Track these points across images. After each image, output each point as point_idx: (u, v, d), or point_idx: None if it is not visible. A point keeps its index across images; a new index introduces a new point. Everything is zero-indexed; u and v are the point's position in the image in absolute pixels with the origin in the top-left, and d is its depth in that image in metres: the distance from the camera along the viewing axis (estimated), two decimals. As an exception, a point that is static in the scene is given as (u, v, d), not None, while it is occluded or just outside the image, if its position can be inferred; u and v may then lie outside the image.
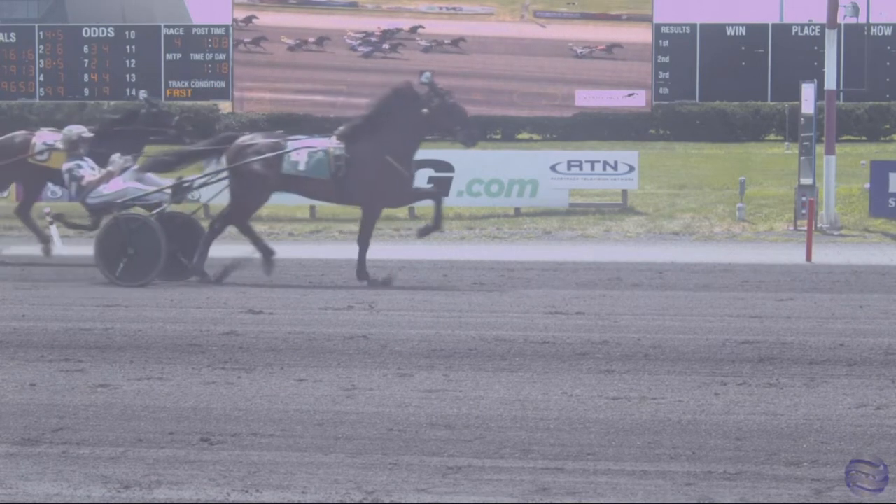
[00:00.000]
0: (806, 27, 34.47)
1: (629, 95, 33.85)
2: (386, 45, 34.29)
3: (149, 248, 13.84)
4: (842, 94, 30.33)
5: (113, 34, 35.66)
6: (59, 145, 15.95)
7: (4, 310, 11.97)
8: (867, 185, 22.28)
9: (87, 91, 35.35)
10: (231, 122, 33.19)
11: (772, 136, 34.32)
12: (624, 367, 9.03)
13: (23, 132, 17.00)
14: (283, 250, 15.26)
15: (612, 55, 33.87)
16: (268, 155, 14.21)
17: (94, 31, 35.82)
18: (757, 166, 28.03)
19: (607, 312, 11.79)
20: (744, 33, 34.46)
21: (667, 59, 34.20)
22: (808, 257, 16.68)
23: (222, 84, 35.04)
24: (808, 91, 21.53)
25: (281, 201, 17.10)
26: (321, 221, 21.13)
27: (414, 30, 34.31)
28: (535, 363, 9.21)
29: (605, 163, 22.65)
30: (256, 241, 14.46)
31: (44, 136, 16.53)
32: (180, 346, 9.93)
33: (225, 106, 35.36)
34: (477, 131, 15.31)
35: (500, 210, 22.32)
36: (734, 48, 34.18)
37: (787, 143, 30.75)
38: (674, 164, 28.88)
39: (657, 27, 34.20)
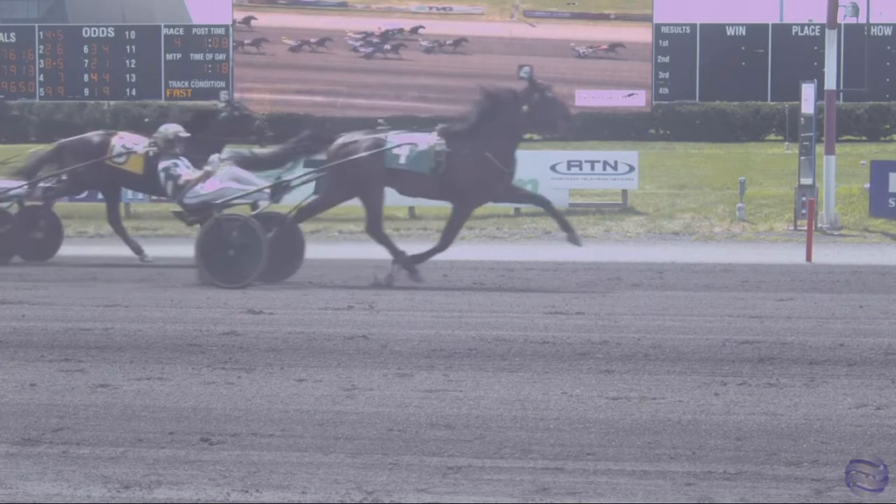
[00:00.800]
0: (806, 27, 34.47)
1: (629, 95, 33.84)
2: (387, 46, 34.28)
3: (249, 249, 13.73)
4: (842, 94, 30.33)
5: (113, 34, 35.66)
6: (138, 149, 15.98)
7: (4, 310, 11.97)
8: (867, 185, 22.29)
9: (87, 91, 35.36)
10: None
11: (772, 136, 34.31)
12: (624, 367, 9.03)
13: (100, 132, 16.78)
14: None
15: (613, 55, 33.86)
16: (369, 153, 14.13)
17: (94, 31, 35.83)
18: (757, 166, 28.03)
19: (607, 312, 11.79)
20: (744, 33, 34.46)
21: (667, 59, 34.19)
22: (808, 257, 16.69)
23: (222, 84, 35.04)
24: (808, 91, 21.54)
25: (281, 201, 17.04)
26: (321, 221, 21.10)
27: (415, 30, 34.30)
28: (535, 363, 9.21)
29: (605, 163, 22.66)
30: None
31: (124, 139, 16.42)
32: (180, 346, 9.94)
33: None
34: (572, 126, 15.34)
35: (500, 210, 22.31)
36: (734, 48, 34.18)
37: (787, 143, 30.75)
38: (674, 164, 28.88)
39: (657, 27, 34.20)
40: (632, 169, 22.59)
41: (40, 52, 35.41)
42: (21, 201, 16.49)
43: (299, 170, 15.21)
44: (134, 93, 35.21)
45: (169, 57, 35.23)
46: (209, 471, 6.48)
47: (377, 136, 14.55)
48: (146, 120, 33.35)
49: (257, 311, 11.78)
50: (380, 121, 16.25)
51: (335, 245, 18.53)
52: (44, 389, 8.38)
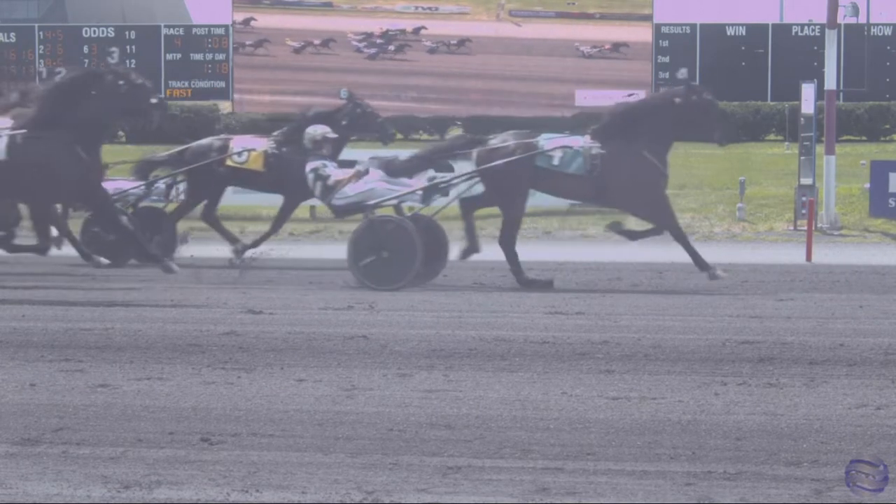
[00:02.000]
0: (806, 27, 34.47)
1: (629, 95, 33.83)
2: (391, 47, 34.28)
3: (403, 251, 13.57)
4: (842, 94, 30.32)
5: (113, 34, 35.67)
6: (258, 146, 15.85)
7: (4, 310, 11.97)
8: (867, 185, 22.28)
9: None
10: (231, 121, 33.18)
11: (772, 136, 34.30)
12: (624, 367, 9.03)
13: (220, 137, 16.68)
14: (284, 250, 15.26)
15: (616, 55, 33.85)
16: (523, 154, 14.01)
17: (94, 31, 35.84)
18: (757, 166, 28.02)
19: (607, 312, 11.79)
20: (744, 33, 34.46)
21: (667, 59, 34.19)
22: (808, 257, 16.69)
23: (222, 84, 35.04)
24: (808, 91, 21.54)
25: (280, 202, 17.03)
26: (321, 221, 21.10)
27: (417, 31, 34.30)
28: (535, 363, 9.21)
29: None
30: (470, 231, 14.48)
31: (243, 141, 16.39)
32: (180, 346, 9.93)
33: (225, 106, 35.36)
34: (733, 130, 15.20)
35: (498, 210, 22.26)
36: (734, 48, 34.17)
37: (787, 143, 30.74)
38: (674, 164, 28.74)
39: (657, 27, 34.20)
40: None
41: (40, 52, 35.42)
42: (135, 203, 16.27)
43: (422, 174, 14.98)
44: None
45: (169, 57, 35.23)
46: (209, 471, 6.48)
47: (529, 140, 14.31)
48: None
49: (257, 311, 11.77)
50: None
51: (335, 245, 18.51)
52: (44, 389, 8.38)
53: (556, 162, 14.03)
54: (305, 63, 34.45)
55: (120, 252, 15.17)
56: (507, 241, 14.20)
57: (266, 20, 34.69)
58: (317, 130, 15.16)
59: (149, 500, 6.07)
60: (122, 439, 7.08)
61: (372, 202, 14.13)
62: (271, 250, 15.87)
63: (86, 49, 35.33)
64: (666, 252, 15.00)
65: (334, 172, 14.56)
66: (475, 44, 34.04)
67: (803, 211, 19.63)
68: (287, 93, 34.30)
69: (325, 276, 14.58)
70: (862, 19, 31.20)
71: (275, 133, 16.60)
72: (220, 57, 35.10)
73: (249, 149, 16.23)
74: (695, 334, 10.48)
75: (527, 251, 16.19)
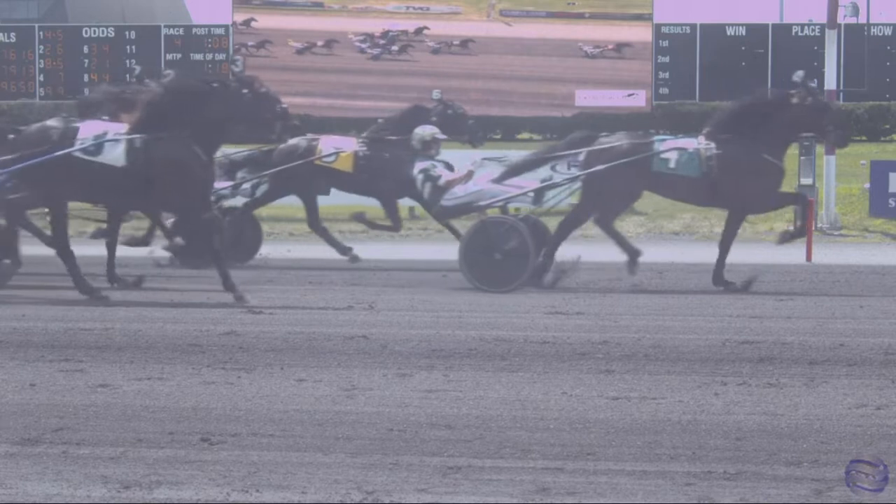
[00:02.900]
0: (806, 27, 34.46)
1: (629, 95, 33.83)
2: (394, 47, 34.26)
3: (517, 253, 13.43)
4: (842, 94, 30.31)
5: (113, 34, 35.66)
6: (347, 147, 15.80)
7: (4, 310, 11.97)
8: (867, 185, 22.29)
9: (87, 91, 35.28)
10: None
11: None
12: (624, 367, 9.03)
13: (308, 137, 16.43)
14: (284, 250, 15.26)
15: (619, 55, 33.85)
16: (638, 156, 13.91)
17: (94, 31, 35.82)
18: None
19: (607, 312, 11.80)
20: (744, 33, 34.45)
21: (667, 59, 34.19)
22: (808, 257, 16.70)
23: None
24: (808, 91, 21.51)
25: (280, 201, 17.03)
26: (323, 222, 21.10)
27: (419, 31, 34.30)
28: (535, 363, 9.21)
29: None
30: (623, 242, 14.34)
31: (331, 141, 16.26)
32: (180, 346, 9.94)
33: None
34: (849, 133, 14.98)
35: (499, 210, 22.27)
36: (734, 48, 34.16)
37: (787, 143, 30.70)
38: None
39: (657, 27, 34.20)
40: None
41: (40, 52, 35.40)
42: (220, 203, 16.06)
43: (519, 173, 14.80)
44: (133, 93, 35.13)
45: (169, 57, 35.21)
46: (209, 471, 6.48)
47: (642, 140, 14.24)
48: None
49: (257, 311, 11.78)
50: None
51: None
52: (44, 389, 8.38)
53: (672, 165, 13.86)
54: (308, 64, 34.41)
55: (201, 255, 14.75)
56: (606, 224, 14.23)
57: (266, 21, 34.67)
58: (425, 130, 15.05)
59: (149, 500, 6.07)
60: (122, 439, 7.08)
61: (483, 203, 14.03)
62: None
63: (86, 49, 35.31)
64: (666, 252, 15.00)
65: (445, 173, 14.43)
66: (478, 44, 34.05)
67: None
68: (290, 94, 34.25)
69: (326, 276, 14.58)
70: (862, 19, 31.17)
71: (364, 133, 16.44)
72: (220, 57, 35.09)
73: (339, 150, 16.11)
74: (695, 334, 10.48)
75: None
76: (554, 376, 8.74)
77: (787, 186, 23.14)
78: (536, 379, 8.67)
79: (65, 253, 13.21)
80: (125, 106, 13.69)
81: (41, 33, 35.89)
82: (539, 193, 14.30)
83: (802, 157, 21.35)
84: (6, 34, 35.87)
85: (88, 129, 13.08)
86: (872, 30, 32.59)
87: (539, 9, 34.38)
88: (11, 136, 13.28)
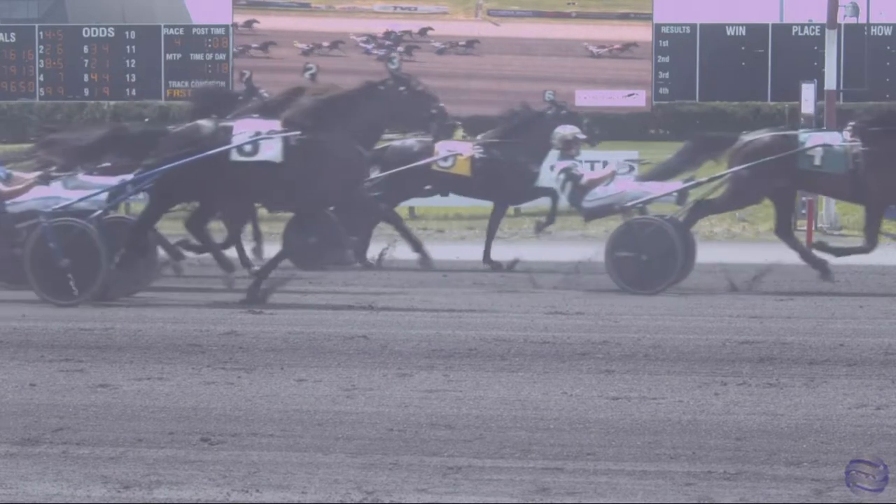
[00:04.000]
0: (806, 27, 34.46)
1: (629, 95, 33.84)
2: (400, 48, 34.28)
3: (664, 254, 13.32)
4: (842, 94, 30.29)
5: (113, 34, 35.64)
6: (464, 151, 15.73)
7: (4, 310, 11.97)
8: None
9: (87, 91, 35.34)
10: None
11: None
12: (624, 367, 9.03)
13: (421, 138, 16.10)
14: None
15: (615, 55, 33.85)
16: (784, 154, 13.74)
17: (94, 31, 35.81)
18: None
19: (607, 312, 11.80)
20: (744, 33, 34.46)
21: (667, 59, 34.20)
22: (808, 257, 16.67)
23: (222, 84, 34.99)
24: (808, 91, 21.55)
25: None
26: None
27: (423, 32, 34.31)
28: (535, 363, 9.21)
29: (605, 163, 22.61)
30: (805, 254, 14.22)
31: (447, 144, 16.03)
32: (180, 346, 9.94)
33: (225, 106, 35.27)
34: None
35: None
36: (734, 48, 34.17)
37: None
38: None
39: (657, 27, 34.20)
40: (632, 169, 22.53)
41: (40, 52, 35.38)
42: None
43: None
44: (134, 93, 35.18)
45: (169, 57, 35.19)
46: (209, 471, 6.48)
47: (785, 134, 14.12)
48: (146, 120, 33.37)
49: (257, 311, 11.78)
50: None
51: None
52: (44, 389, 8.38)
53: (817, 162, 13.74)
54: (313, 65, 34.36)
55: (318, 256, 14.69)
56: (784, 231, 14.16)
57: (267, 22, 34.67)
58: (566, 130, 14.92)
59: (149, 500, 6.07)
60: (122, 439, 7.08)
61: (626, 204, 13.90)
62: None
63: (86, 49, 35.30)
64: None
65: (588, 173, 14.29)
66: (483, 45, 34.07)
67: (803, 211, 19.62)
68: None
69: (326, 276, 14.57)
70: (862, 19, 31.21)
71: (479, 137, 16.30)
72: (221, 57, 35.08)
73: (455, 153, 15.96)
74: (695, 334, 10.48)
75: (527, 251, 16.22)
76: (554, 376, 8.74)
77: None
78: (536, 379, 8.67)
79: (202, 236, 13.31)
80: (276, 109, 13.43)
81: (41, 33, 35.88)
82: (683, 193, 14.16)
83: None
84: (6, 34, 35.86)
85: (243, 128, 12.88)
86: (872, 30, 32.58)
87: (526, 8, 34.44)
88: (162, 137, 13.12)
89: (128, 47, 35.38)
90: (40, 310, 12.02)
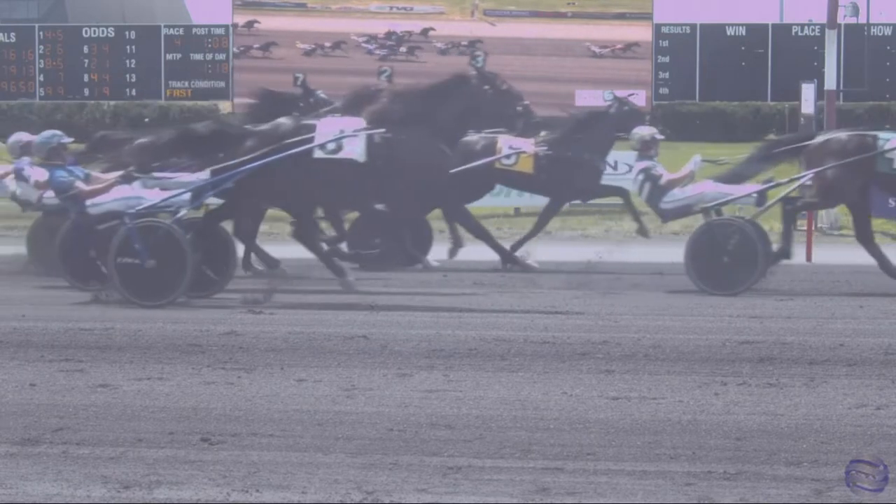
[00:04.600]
0: (806, 27, 34.45)
1: (629, 95, 33.80)
2: (402, 48, 34.29)
3: (745, 256, 13.22)
4: (842, 94, 30.29)
5: (113, 34, 35.63)
6: (527, 149, 15.50)
7: (4, 310, 11.97)
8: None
9: (87, 91, 35.34)
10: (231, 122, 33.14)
11: (772, 136, 34.23)
12: (624, 367, 9.03)
13: (486, 135, 15.94)
14: (284, 250, 15.23)
15: (614, 55, 33.86)
16: (865, 155, 13.68)
17: (94, 31, 35.80)
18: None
19: (607, 312, 11.80)
20: (744, 33, 34.45)
21: (667, 59, 34.19)
22: (808, 257, 16.69)
23: (222, 84, 35.01)
24: (808, 91, 21.52)
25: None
26: (321, 221, 21.08)
27: (425, 32, 34.32)
28: (535, 363, 9.21)
29: (605, 162, 22.60)
30: (881, 259, 14.06)
31: (510, 140, 15.90)
32: (180, 346, 9.94)
33: (225, 106, 35.33)
34: None
35: (500, 210, 22.30)
36: (734, 48, 34.16)
37: (787, 144, 30.70)
38: (674, 164, 28.83)
39: (657, 27, 34.20)
40: (632, 169, 22.54)
41: (40, 52, 35.37)
42: None
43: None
44: (134, 93, 35.18)
45: (169, 57, 35.18)
46: (209, 471, 6.48)
47: (864, 134, 13.99)
48: (146, 120, 33.38)
49: (257, 311, 11.78)
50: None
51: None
52: (44, 389, 8.39)
53: None
54: (317, 65, 34.35)
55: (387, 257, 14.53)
56: (864, 237, 14.01)
57: (267, 23, 34.67)
58: (644, 131, 14.83)
59: (149, 500, 6.07)
60: (122, 439, 7.08)
61: (710, 204, 13.82)
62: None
63: (86, 49, 35.29)
64: (666, 252, 15.00)
65: (666, 174, 14.20)
66: (486, 44, 34.08)
67: (803, 211, 19.59)
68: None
69: (326, 276, 14.55)
70: (862, 19, 31.17)
71: (542, 134, 16.21)
72: (221, 57, 35.06)
73: (519, 151, 15.81)
74: (695, 334, 10.48)
75: (527, 251, 16.20)
76: (554, 376, 8.74)
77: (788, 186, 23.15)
78: (536, 379, 8.67)
79: (311, 244, 13.17)
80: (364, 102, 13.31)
81: (41, 33, 35.87)
82: (762, 195, 14.03)
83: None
84: (6, 34, 35.85)
85: (326, 127, 12.79)
86: (872, 30, 32.57)
87: (522, 8, 34.46)
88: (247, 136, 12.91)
89: (128, 47, 35.37)
90: (40, 310, 12.01)
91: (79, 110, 35.04)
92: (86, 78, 35.34)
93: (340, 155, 12.56)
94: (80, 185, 12.89)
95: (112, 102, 35.19)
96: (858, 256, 13.87)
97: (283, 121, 13.01)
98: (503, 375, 8.79)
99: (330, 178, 12.62)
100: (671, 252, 14.94)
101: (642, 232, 16.16)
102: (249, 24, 34.78)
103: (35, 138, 14.25)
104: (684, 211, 14.20)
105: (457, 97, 12.72)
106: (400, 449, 6.90)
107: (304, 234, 13.39)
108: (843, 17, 24.04)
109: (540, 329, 10.74)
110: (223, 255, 12.99)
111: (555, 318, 11.44)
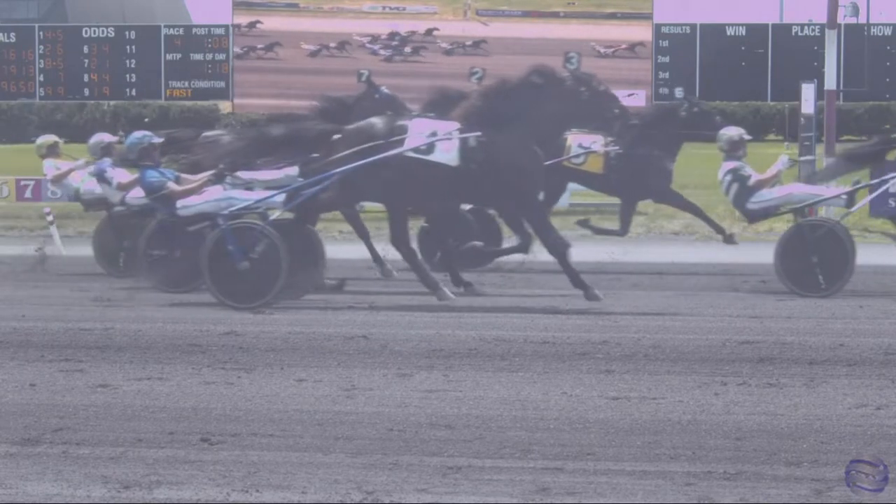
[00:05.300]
0: (806, 27, 34.46)
1: (629, 95, 33.82)
2: (407, 49, 34.29)
3: (835, 257, 13.12)
4: (842, 94, 30.32)
5: (113, 34, 35.64)
6: (597, 148, 15.34)
7: (4, 310, 11.97)
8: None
9: (87, 91, 35.34)
10: (231, 121, 33.19)
11: (772, 137, 34.31)
12: (624, 367, 9.03)
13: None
14: (337, 250, 15.24)
15: (615, 55, 33.88)
16: None
17: (94, 31, 35.80)
18: (757, 166, 27.96)
19: (607, 312, 11.79)
20: (744, 33, 34.45)
21: (667, 59, 34.20)
22: (808, 257, 16.67)
23: (222, 84, 35.02)
24: (808, 91, 21.51)
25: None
26: (322, 221, 21.05)
27: (429, 32, 34.33)
28: (535, 363, 9.21)
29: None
30: None
31: (579, 138, 15.82)
32: (180, 346, 9.94)
33: (225, 106, 35.35)
34: None
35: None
36: (734, 48, 34.16)
37: (787, 144, 30.74)
38: (676, 165, 28.81)
39: (657, 27, 34.21)
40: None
41: (40, 52, 35.38)
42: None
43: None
44: (134, 93, 35.19)
45: (169, 57, 35.19)
46: (209, 471, 6.48)
47: None
48: (146, 120, 33.38)
49: (257, 311, 11.77)
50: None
51: (335, 245, 18.50)
52: (44, 389, 8.39)
53: None
54: (322, 66, 34.34)
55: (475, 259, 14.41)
56: None
57: (270, 23, 34.67)
58: (732, 132, 14.73)
59: (149, 500, 6.07)
60: (122, 439, 7.08)
61: (800, 205, 13.76)
62: None
63: (86, 49, 35.30)
64: (666, 252, 14.99)
65: (754, 174, 14.08)
66: (490, 44, 34.09)
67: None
68: (302, 97, 34.13)
69: (326, 276, 14.55)
70: (862, 19, 31.25)
71: (614, 132, 16.12)
72: (221, 57, 35.07)
73: (588, 150, 15.69)
74: (695, 334, 10.48)
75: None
76: (554, 376, 8.74)
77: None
78: (536, 379, 8.67)
79: (408, 252, 12.90)
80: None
81: (41, 33, 35.87)
82: (851, 196, 13.97)
83: (802, 158, 21.35)
84: (6, 34, 35.86)
85: (419, 127, 12.68)
86: (872, 30, 32.59)
87: (514, 8, 34.49)
88: (337, 136, 12.76)
89: (128, 47, 35.38)
90: (40, 310, 12.01)
91: (79, 110, 35.05)
92: (86, 78, 35.35)
93: (432, 157, 12.47)
94: (172, 185, 12.74)
95: (112, 102, 35.21)
96: (859, 256, 13.85)
97: (376, 120, 12.90)
98: (503, 375, 8.79)
99: (420, 179, 12.50)
100: (671, 252, 14.97)
101: (729, 240, 15.72)
102: (252, 25, 34.80)
103: (109, 137, 14.65)
104: (771, 212, 14.12)
105: (552, 98, 12.54)
106: (400, 449, 6.90)
107: (398, 238, 13.04)
108: (843, 17, 24.07)
109: (540, 329, 10.74)
110: (312, 255, 12.82)
111: (555, 318, 11.44)
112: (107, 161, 14.74)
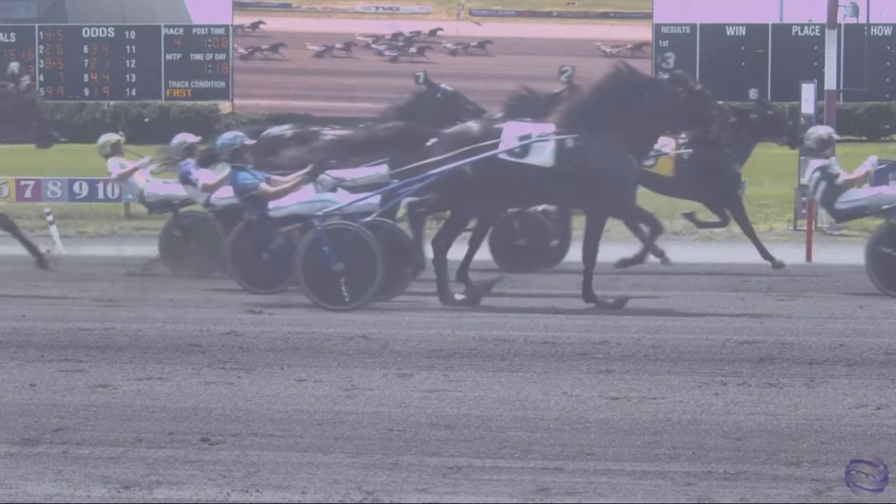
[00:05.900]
0: (806, 27, 34.50)
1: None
2: (412, 49, 34.32)
3: None
4: (842, 94, 30.35)
5: (113, 34, 35.68)
6: (667, 150, 15.26)
7: (4, 310, 11.97)
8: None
9: (87, 91, 35.38)
10: (231, 121, 33.22)
11: (771, 137, 34.26)
12: (624, 367, 9.03)
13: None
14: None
15: (620, 56, 33.88)
16: None
17: (94, 31, 35.85)
18: (757, 166, 27.94)
19: (607, 312, 11.79)
20: (744, 33, 34.50)
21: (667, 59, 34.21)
22: (808, 257, 16.70)
23: (222, 84, 35.06)
24: (808, 91, 21.53)
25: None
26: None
27: (433, 32, 34.37)
28: (535, 363, 9.21)
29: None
30: None
31: None
32: (180, 346, 9.94)
33: (225, 106, 35.36)
34: None
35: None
36: (734, 48, 34.21)
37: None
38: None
39: (657, 27, 34.23)
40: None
41: (40, 52, 35.42)
42: None
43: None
44: (134, 93, 35.23)
45: (169, 57, 35.23)
46: (209, 471, 6.48)
47: None
48: (146, 120, 33.39)
49: (257, 311, 11.77)
50: None
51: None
52: (44, 389, 8.38)
53: None
54: (328, 66, 34.36)
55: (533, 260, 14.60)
56: None
57: (271, 24, 34.69)
58: (821, 131, 14.63)
59: (149, 500, 6.07)
60: (122, 439, 7.08)
61: (886, 206, 13.57)
62: None
63: (86, 49, 35.32)
64: (666, 252, 14.98)
65: (843, 173, 13.94)
66: (495, 45, 34.14)
67: (803, 211, 19.62)
68: (307, 97, 34.17)
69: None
70: (862, 19, 31.25)
71: (683, 135, 15.75)
72: (221, 57, 35.11)
73: (658, 153, 15.43)
74: (695, 334, 10.48)
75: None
76: (554, 376, 8.74)
77: (787, 186, 23.18)
78: (536, 379, 8.67)
79: (441, 259, 12.67)
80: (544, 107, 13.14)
81: (41, 33, 35.91)
82: None
83: (802, 158, 21.34)
84: (6, 34, 35.89)
85: (513, 130, 12.55)
86: (872, 30, 32.63)
87: (508, 8, 34.53)
88: (433, 140, 12.65)
89: (128, 47, 35.42)
90: (40, 310, 12.02)
91: (79, 110, 35.05)
92: (86, 78, 35.38)
93: (527, 160, 12.36)
94: (265, 186, 12.64)
95: (112, 102, 35.23)
96: (858, 256, 13.85)
97: (472, 124, 12.86)
98: (503, 375, 8.79)
99: (516, 182, 12.40)
100: (671, 252, 14.95)
101: (778, 266, 15.17)
102: (255, 26, 34.82)
103: (192, 138, 14.74)
104: (859, 212, 14.00)
105: (647, 99, 12.42)
106: (400, 449, 6.90)
107: (442, 248, 12.86)
108: (843, 17, 24.07)
109: (540, 329, 10.74)
110: (404, 257, 12.66)
111: (555, 318, 11.44)
112: (190, 162, 14.71)
